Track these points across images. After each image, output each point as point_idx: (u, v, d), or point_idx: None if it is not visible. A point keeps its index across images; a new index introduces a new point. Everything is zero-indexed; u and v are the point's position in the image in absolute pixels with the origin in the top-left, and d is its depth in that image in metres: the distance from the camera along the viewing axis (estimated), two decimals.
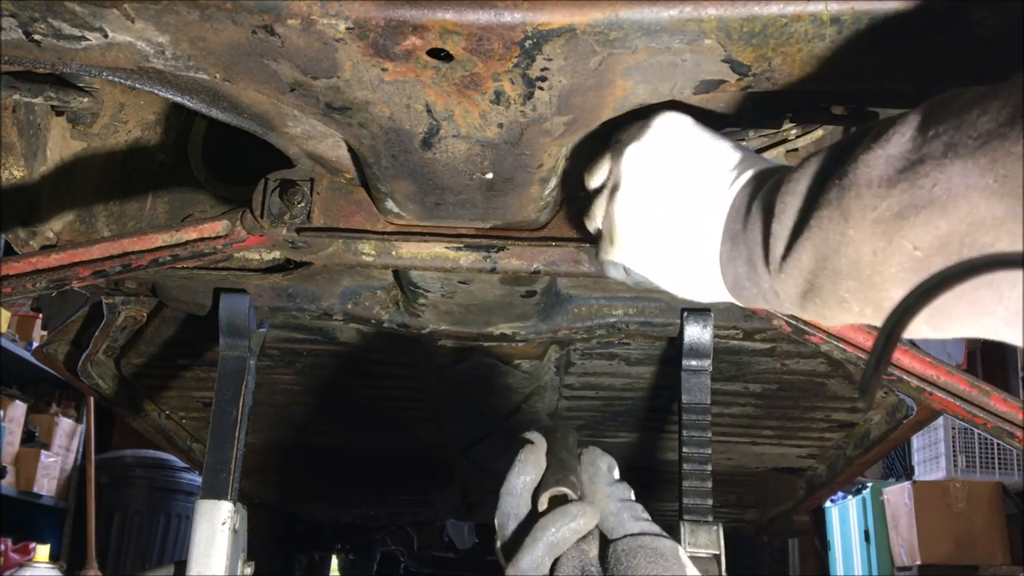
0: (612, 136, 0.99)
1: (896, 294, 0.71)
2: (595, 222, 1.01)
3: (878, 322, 0.75)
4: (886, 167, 0.69)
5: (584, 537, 0.81)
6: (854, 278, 0.73)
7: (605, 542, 0.80)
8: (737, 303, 0.89)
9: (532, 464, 0.86)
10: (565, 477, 0.83)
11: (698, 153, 0.90)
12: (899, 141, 0.69)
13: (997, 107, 0.63)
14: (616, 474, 0.86)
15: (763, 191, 0.82)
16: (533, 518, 0.82)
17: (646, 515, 0.82)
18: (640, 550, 0.77)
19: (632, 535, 0.79)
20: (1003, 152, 0.61)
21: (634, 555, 0.77)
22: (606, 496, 0.83)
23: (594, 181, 1.00)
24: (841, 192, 0.72)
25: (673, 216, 0.89)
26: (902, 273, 0.69)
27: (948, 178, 0.64)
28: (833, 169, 0.74)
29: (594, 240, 1.03)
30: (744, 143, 1.12)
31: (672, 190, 0.89)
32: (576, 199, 1.20)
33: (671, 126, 0.92)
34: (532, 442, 0.88)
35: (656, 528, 0.80)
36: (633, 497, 0.84)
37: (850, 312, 0.76)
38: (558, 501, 0.82)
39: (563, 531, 0.78)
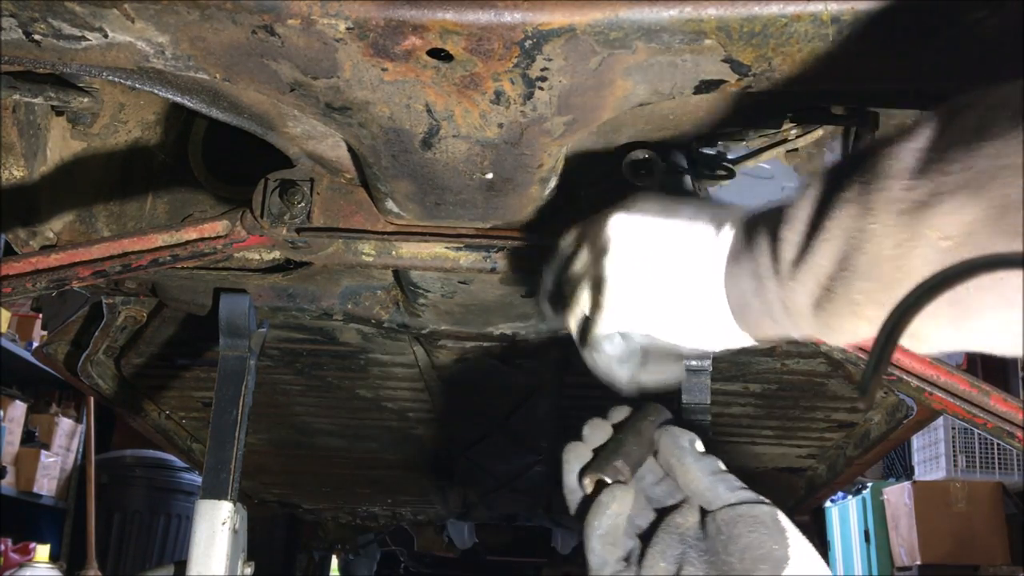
0: (577, 232, 0.97)
1: None
2: (580, 306, 0.95)
3: None
4: (912, 159, 0.65)
5: (678, 508, 0.82)
6: (872, 278, 0.68)
7: (704, 516, 0.81)
8: (744, 338, 0.86)
9: (576, 460, 0.88)
10: (609, 463, 0.85)
11: (686, 207, 0.88)
12: (925, 134, 0.65)
13: None
14: (700, 447, 0.86)
15: (765, 215, 0.80)
16: (586, 503, 0.85)
17: (740, 483, 0.82)
18: (740, 519, 0.78)
19: (730, 505, 0.80)
20: None
21: (734, 524, 0.77)
22: (697, 472, 0.83)
23: (574, 269, 0.96)
24: (864, 187, 0.67)
25: (671, 258, 0.85)
26: (926, 266, 0.64)
27: (978, 160, 0.59)
28: (851, 172, 0.70)
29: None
30: (744, 143, 1.12)
31: (666, 235, 0.86)
32: (576, 199, 1.20)
33: (647, 195, 0.91)
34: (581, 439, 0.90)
35: (753, 495, 0.81)
36: (724, 467, 0.84)
37: (861, 317, 0.72)
38: (601, 484, 0.84)
39: (605, 522, 0.81)
